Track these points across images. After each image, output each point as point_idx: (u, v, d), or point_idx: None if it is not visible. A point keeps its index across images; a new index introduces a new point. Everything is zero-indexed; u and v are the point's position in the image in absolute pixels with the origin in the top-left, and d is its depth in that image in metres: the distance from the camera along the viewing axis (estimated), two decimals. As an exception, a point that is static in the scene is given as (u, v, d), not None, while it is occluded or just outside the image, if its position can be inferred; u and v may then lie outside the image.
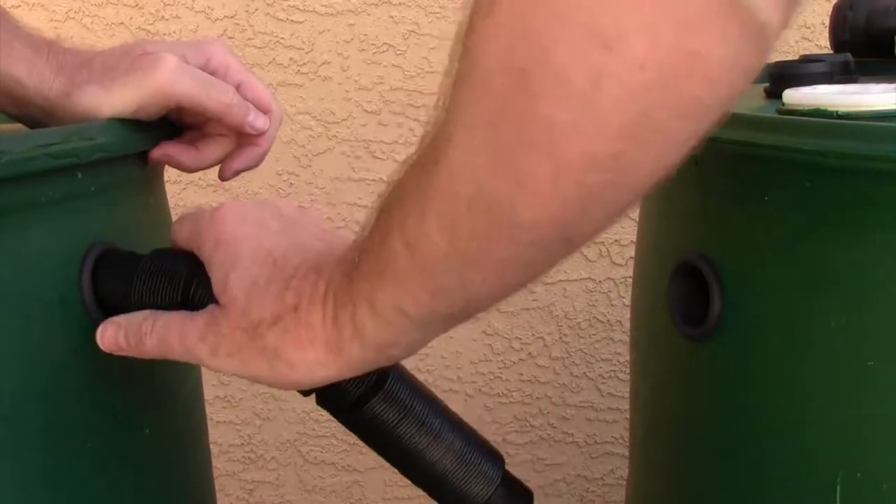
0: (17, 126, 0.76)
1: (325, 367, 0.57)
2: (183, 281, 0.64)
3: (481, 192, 0.47)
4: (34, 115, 0.72)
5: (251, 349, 0.58)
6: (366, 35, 1.55)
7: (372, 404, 0.65)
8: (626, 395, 1.01)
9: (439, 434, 0.66)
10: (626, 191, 0.47)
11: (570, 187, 0.45)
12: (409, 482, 0.67)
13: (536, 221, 0.47)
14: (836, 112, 0.76)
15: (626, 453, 1.04)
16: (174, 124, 0.77)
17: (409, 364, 0.64)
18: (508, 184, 0.46)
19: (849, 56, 0.96)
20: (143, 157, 0.75)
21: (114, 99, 0.71)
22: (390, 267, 0.52)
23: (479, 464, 0.67)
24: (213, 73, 0.75)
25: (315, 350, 0.57)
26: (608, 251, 1.56)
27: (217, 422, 1.61)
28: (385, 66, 1.55)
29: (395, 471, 0.66)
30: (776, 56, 1.59)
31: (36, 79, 0.71)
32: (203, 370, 0.89)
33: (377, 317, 0.54)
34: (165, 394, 0.77)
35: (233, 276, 0.60)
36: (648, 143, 0.45)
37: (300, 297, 0.58)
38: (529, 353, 1.60)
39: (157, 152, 0.75)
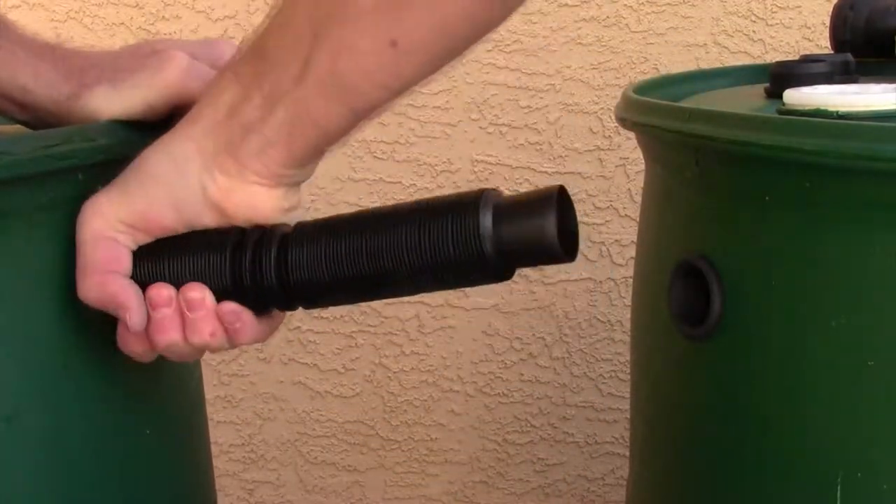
0: (18, 127, 0.75)
1: None
2: None
3: None
4: (43, 119, 0.72)
5: None
6: (366, 35, 1.55)
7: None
8: (627, 395, 1.01)
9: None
10: None
11: None
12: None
13: None
14: (837, 112, 0.76)
15: (627, 453, 1.04)
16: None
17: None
18: None
19: (849, 56, 0.96)
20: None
21: (123, 99, 0.71)
22: None
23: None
24: None
25: None
26: (609, 251, 1.56)
27: (217, 422, 1.61)
28: (385, 67, 1.55)
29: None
30: (777, 56, 1.59)
31: (43, 85, 0.71)
32: (204, 370, 0.89)
33: None
34: (166, 394, 0.77)
35: None
36: None
37: None
38: (530, 353, 1.60)
39: None
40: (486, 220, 0.60)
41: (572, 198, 0.62)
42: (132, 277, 0.64)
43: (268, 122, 0.61)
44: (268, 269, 0.63)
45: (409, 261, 0.61)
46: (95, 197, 0.64)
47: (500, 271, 0.61)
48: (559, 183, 0.61)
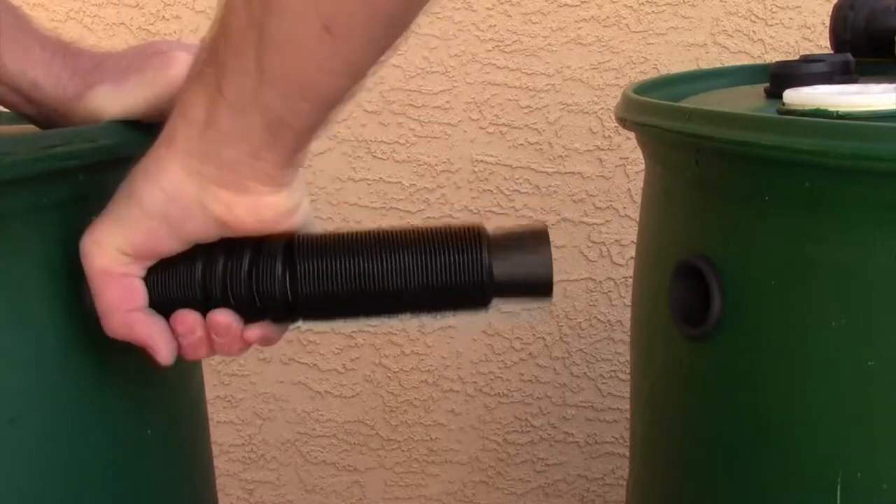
0: (19, 128, 0.76)
1: None
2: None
3: None
4: (49, 116, 0.72)
5: None
6: (366, 35, 1.55)
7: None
8: (627, 395, 1.01)
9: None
10: None
11: None
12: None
13: None
14: (836, 112, 0.76)
15: (627, 453, 1.04)
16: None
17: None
18: None
19: (849, 56, 0.96)
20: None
21: (125, 98, 0.71)
22: None
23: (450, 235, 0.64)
24: None
25: None
26: (609, 251, 1.56)
27: (217, 422, 1.61)
28: (385, 66, 1.55)
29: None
30: (777, 56, 1.59)
31: (52, 81, 0.71)
32: (204, 370, 0.89)
33: None
34: (168, 395, 0.77)
35: None
36: None
37: None
38: (530, 353, 1.60)
39: None
40: (487, 259, 0.63)
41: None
42: (150, 304, 0.64)
43: (248, 129, 0.59)
44: (293, 282, 0.63)
45: (415, 283, 0.63)
46: (92, 229, 0.63)
47: (488, 303, 0.65)
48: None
